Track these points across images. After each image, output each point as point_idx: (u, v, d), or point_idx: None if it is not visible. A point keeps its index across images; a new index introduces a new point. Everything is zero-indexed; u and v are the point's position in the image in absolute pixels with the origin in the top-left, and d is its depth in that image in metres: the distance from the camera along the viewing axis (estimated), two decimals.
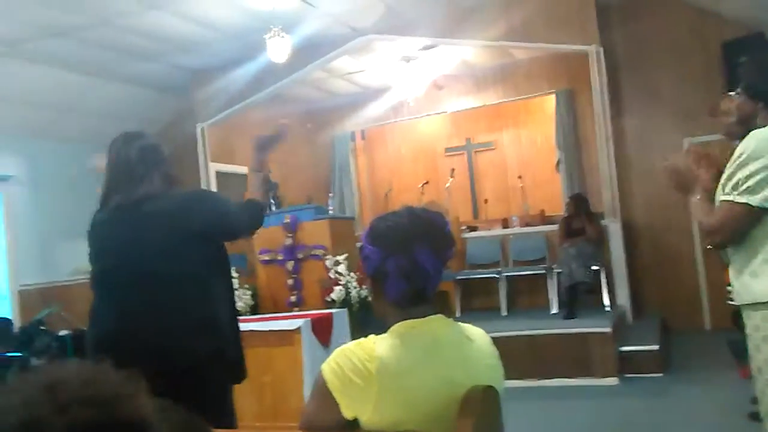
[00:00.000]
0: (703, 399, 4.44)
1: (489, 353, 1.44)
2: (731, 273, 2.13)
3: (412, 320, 1.38)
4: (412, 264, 1.36)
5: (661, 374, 5.22)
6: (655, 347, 5.37)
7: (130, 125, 7.40)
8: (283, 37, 6.05)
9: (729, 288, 3.23)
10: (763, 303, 1.95)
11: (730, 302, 3.25)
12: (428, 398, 1.29)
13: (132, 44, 6.75)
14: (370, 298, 1.49)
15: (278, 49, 6.11)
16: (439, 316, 1.41)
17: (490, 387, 1.37)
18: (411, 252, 1.36)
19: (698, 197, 2.14)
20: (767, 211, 1.93)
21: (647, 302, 6.99)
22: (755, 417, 3.71)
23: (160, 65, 7.51)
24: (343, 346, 1.36)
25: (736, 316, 3.65)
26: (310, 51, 7.08)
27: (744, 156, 1.95)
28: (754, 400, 3.92)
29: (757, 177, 1.91)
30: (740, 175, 1.95)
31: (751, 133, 2.00)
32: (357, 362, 1.31)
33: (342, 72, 8.35)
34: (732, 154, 3.43)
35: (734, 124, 2.23)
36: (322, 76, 8.33)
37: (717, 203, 2.11)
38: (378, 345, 1.34)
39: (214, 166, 7.81)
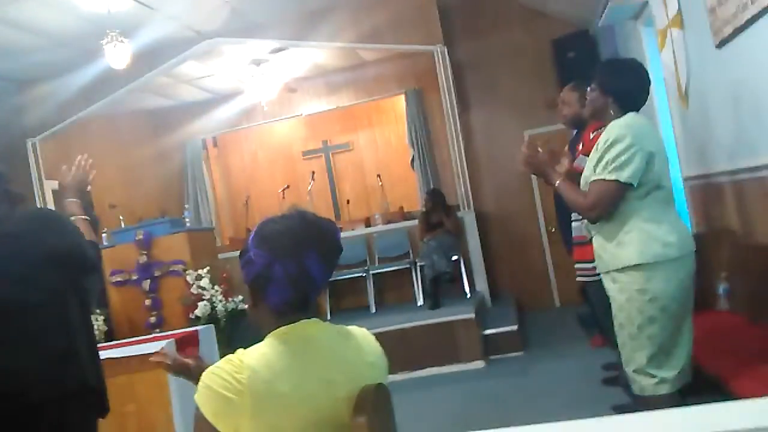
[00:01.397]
0: (562, 371, 4.79)
1: (370, 351, 1.43)
2: (597, 244, 2.44)
3: (285, 326, 1.34)
4: (300, 270, 1.32)
5: (521, 352, 5.56)
6: (515, 327, 5.72)
7: None
8: (122, 42, 5.67)
9: (577, 266, 3.53)
10: (629, 266, 2.28)
11: (580, 278, 3.54)
12: (306, 402, 1.26)
13: None
14: (245, 306, 1.42)
15: (117, 55, 5.71)
16: (314, 319, 1.38)
17: (381, 385, 1.37)
18: (300, 257, 1.32)
19: (559, 181, 2.47)
20: (631, 187, 2.27)
21: (503, 286, 7.44)
22: (609, 381, 4.09)
23: None
24: (211, 367, 1.29)
25: (584, 291, 3.99)
26: (153, 57, 6.72)
27: (610, 140, 2.30)
28: (607, 367, 4.33)
29: (623, 157, 2.26)
30: (608, 156, 2.29)
31: (613, 122, 2.36)
32: (226, 377, 1.25)
33: (189, 77, 8.00)
34: (571, 141, 3.76)
35: (579, 113, 2.61)
36: (167, 82, 7.92)
37: (583, 184, 2.43)
38: (247, 355, 1.29)
39: (50, 184, 7.14)
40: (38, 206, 1.99)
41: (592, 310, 4.01)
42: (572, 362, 4.91)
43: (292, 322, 1.35)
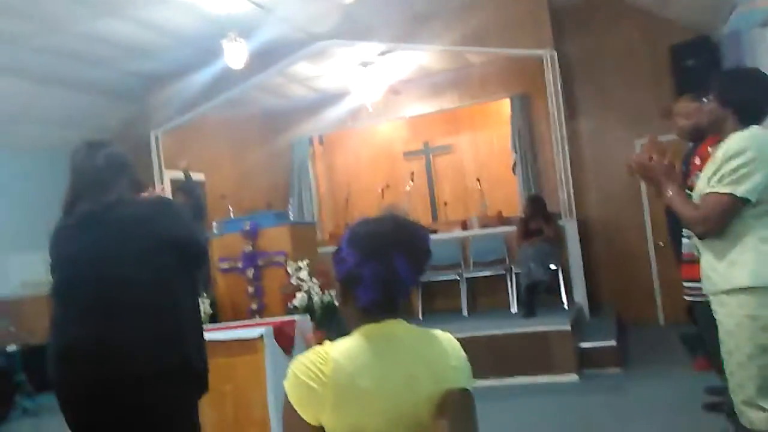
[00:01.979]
0: (660, 392, 4.56)
1: (454, 355, 1.43)
2: (705, 263, 2.30)
3: (370, 324, 1.38)
4: (388, 272, 1.35)
5: (618, 369, 5.34)
6: (613, 343, 5.50)
7: (81, 133, 7.25)
8: (239, 42, 5.99)
9: (685, 284, 3.35)
10: (741, 289, 2.13)
11: (687, 297, 3.35)
12: (387, 398, 1.29)
13: (84, 51, 6.58)
14: (337, 303, 1.48)
15: (235, 55, 6.04)
16: (399, 320, 1.41)
17: (465, 390, 1.37)
18: (389, 260, 1.34)
19: (671, 192, 2.32)
20: (748, 203, 2.13)
21: (603, 299, 7.16)
22: (710, 408, 3.85)
23: (113, 72, 7.34)
24: (299, 356, 1.35)
25: (690, 310, 3.78)
26: (267, 56, 7.03)
27: (729, 153, 2.17)
28: (710, 391, 4.08)
29: (742, 171, 2.13)
30: (725, 169, 2.16)
31: (733, 135, 2.23)
32: (312, 366, 1.30)
33: (300, 77, 8.32)
34: (686, 154, 3.57)
35: (697, 126, 2.43)
36: (279, 81, 8.28)
37: (696, 197, 2.30)
38: (333, 348, 1.34)
39: (169, 174, 7.66)
40: (160, 195, 2.18)
41: (699, 332, 3.79)
42: (672, 384, 4.66)
43: (378, 321, 1.39)
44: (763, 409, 2.14)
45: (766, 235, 2.15)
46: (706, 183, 2.25)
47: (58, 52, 6.48)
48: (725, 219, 2.17)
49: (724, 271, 2.20)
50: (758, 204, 2.14)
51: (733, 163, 2.14)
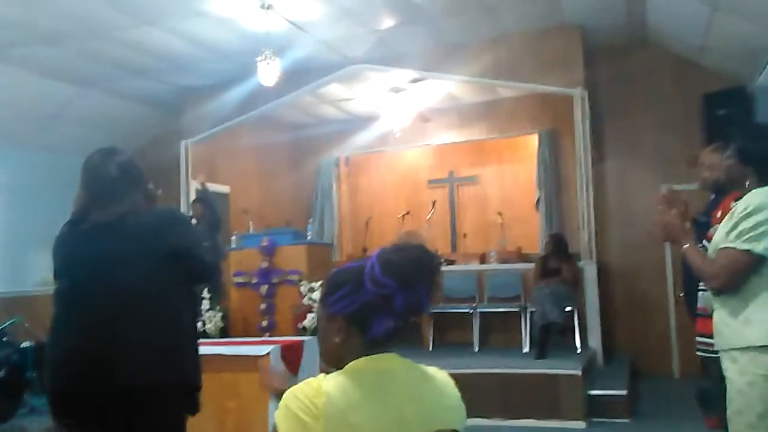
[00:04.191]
0: None
1: (449, 395, 1.42)
2: (719, 318, 2.26)
3: (364, 358, 1.36)
4: (417, 300, 1.35)
5: (627, 420, 5.22)
6: (624, 392, 5.38)
7: (115, 138, 7.40)
8: (274, 60, 6.09)
9: (698, 339, 3.28)
10: (755, 347, 2.09)
11: (700, 353, 3.27)
12: None
13: (123, 58, 6.76)
14: (336, 340, 1.41)
15: (268, 73, 6.13)
16: (394, 354, 1.40)
17: (454, 431, 1.36)
18: (418, 288, 1.34)
19: (688, 245, 2.31)
20: (765, 260, 2.10)
21: (618, 346, 7.02)
22: None
23: (150, 80, 7.51)
24: (293, 387, 1.33)
25: (705, 365, 3.68)
26: (300, 75, 7.13)
27: (750, 209, 2.14)
28: None
29: (761, 228, 2.11)
30: (744, 225, 2.14)
31: (755, 190, 2.21)
32: (304, 399, 1.29)
33: (331, 98, 8.41)
34: (709, 205, 3.52)
35: (718, 180, 2.41)
36: (311, 101, 8.38)
37: (711, 251, 2.28)
38: (326, 381, 1.33)
39: (195, 184, 7.76)
40: (170, 206, 2.19)
41: (714, 388, 3.69)
42: None
43: (374, 354, 1.37)
44: None
45: None
46: (723, 237, 2.21)
47: (98, 57, 6.65)
48: (741, 275, 2.14)
49: (738, 328, 2.16)
50: None
51: (753, 220, 2.12)
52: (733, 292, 2.17)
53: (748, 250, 2.10)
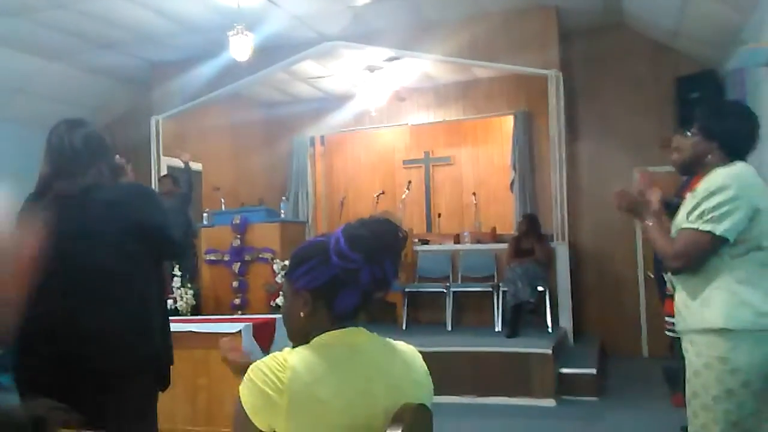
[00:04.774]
0: (636, 425, 4.53)
1: (416, 369, 1.41)
2: (679, 300, 2.23)
3: (331, 332, 1.35)
4: (383, 275, 1.34)
5: (596, 398, 5.30)
6: (593, 371, 5.46)
7: (83, 111, 7.21)
8: (246, 35, 5.96)
9: (667, 319, 3.32)
10: (712, 330, 2.07)
11: (668, 333, 3.33)
12: (343, 410, 1.26)
13: (91, 30, 6.56)
14: (301, 314, 1.38)
15: (241, 48, 6.02)
16: (361, 328, 1.38)
17: (422, 405, 1.35)
18: (384, 262, 1.33)
19: (651, 222, 2.27)
20: (726, 242, 2.07)
21: (588, 325, 7.12)
22: None
23: (119, 54, 7.32)
24: (257, 362, 1.31)
25: (673, 344, 3.75)
26: (273, 52, 7.01)
27: (711, 189, 2.10)
28: (684, 429, 4.03)
29: (723, 209, 2.06)
30: (706, 206, 2.09)
31: (717, 170, 2.16)
32: (269, 373, 1.26)
33: (305, 76, 8.30)
34: (680, 187, 3.55)
35: (686, 160, 2.37)
36: (284, 78, 8.26)
37: (674, 232, 2.24)
38: (291, 356, 1.30)
39: (166, 160, 7.63)
40: (137, 182, 2.12)
41: (680, 367, 3.76)
42: (650, 417, 4.63)
43: (342, 329, 1.36)
44: None
45: (743, 276, 2.08)
46: (684, 218, 2.18)
47: (63, 28, 6.45)
48: (702, 256, 2.11)
49: (696, 310, 2.14)
50: (737, 243, 2.08)
51: (714, 200, 2.08)
52: (693, 273, 2.15)
53: (709, 231, 2.07)
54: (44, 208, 2.03)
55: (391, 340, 1.44)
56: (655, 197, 2.33)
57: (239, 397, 1.29)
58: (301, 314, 1.37)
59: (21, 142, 7.42)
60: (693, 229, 2.11)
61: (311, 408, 1.25)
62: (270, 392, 1.25)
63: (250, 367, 1.30)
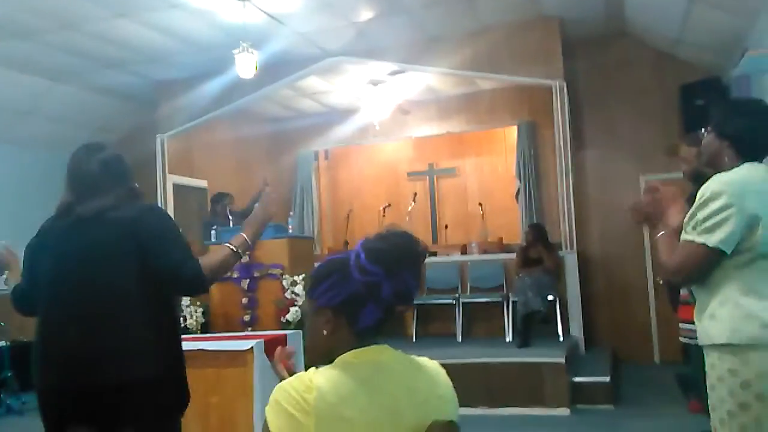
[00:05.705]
0: None
1: (441, 385, 1.40)
2: (694, 312, 2.16)
3: (354, 350, 1.34)
4: (405, 288, 1.33)
5: (611, 406, 5.27)
6: (606, 379, 5.43)
7: (89, 132, 7.25)
8: (251, 53, 6.01)
9: (681, 325, 3.30)
10: (718, 345, 1.99)
11: (683, 339, 3.30)
12: (369, 429, 1.25)
13: (97, 51, 6.62)
14: (324, 332, 1.38)
15: (246, 65, 6.05)
16: (385, 346, 1.38)
17: (451, 422, 1.34)
18: (405, 275, 1.33)
19: (662, 233, 2.18)
20: (723, 253, 1.96)
21: (599, 333, 7.09)
22: None
23: (124, 74, 7.38)
24: (283, 382, 1.31)
25: (685, 351, 3.73)
26: (278, 68, 7.06)
27: (705, 197, 2.01)
28: None
29: (715, 218, 1.96)
30: (700, 215, 2.00)
31: (714, 177, 2.06)
32: (295, 394, 1.26)
33: (309, 91, 8.34)
34: (691, 195, 3.52)
35: (699, 165, 2.28)
36: (289, 94, 8.31)
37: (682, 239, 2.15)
38: (316, 376, 1.29)
39: (172, 178, 7.66)
40: (156, 203, 2.09)
41: (693, 373, 3.74)
42: (665, 424, 4.60)
43: (367, 346, 1.35)
44: None
45: (748, 286, 1.98)
46: (684, 227, 2.10)
47: (70, 50, 6.51)
48: (699, 269, 2.02)
49: (706, 324, 2.07)
50: (739, 253, 1.98)
51: (708, 210, 1.98)
52: (700, 285, 2.08)
53: (703, 244, 1.97)
54: (61, 231, 2.05)
55: (415, 357, 1.43)
56: (674, 212, 2.21)
57: (266, 417, 1.28)
58: (324, 332, 1.36)
59: (27, 164, 7.50)
60: (689, 241, 2.03)
61: (338, 428, 1.24)
62: (296, 413, 1.24)
63: (276, 387, 1.30)
